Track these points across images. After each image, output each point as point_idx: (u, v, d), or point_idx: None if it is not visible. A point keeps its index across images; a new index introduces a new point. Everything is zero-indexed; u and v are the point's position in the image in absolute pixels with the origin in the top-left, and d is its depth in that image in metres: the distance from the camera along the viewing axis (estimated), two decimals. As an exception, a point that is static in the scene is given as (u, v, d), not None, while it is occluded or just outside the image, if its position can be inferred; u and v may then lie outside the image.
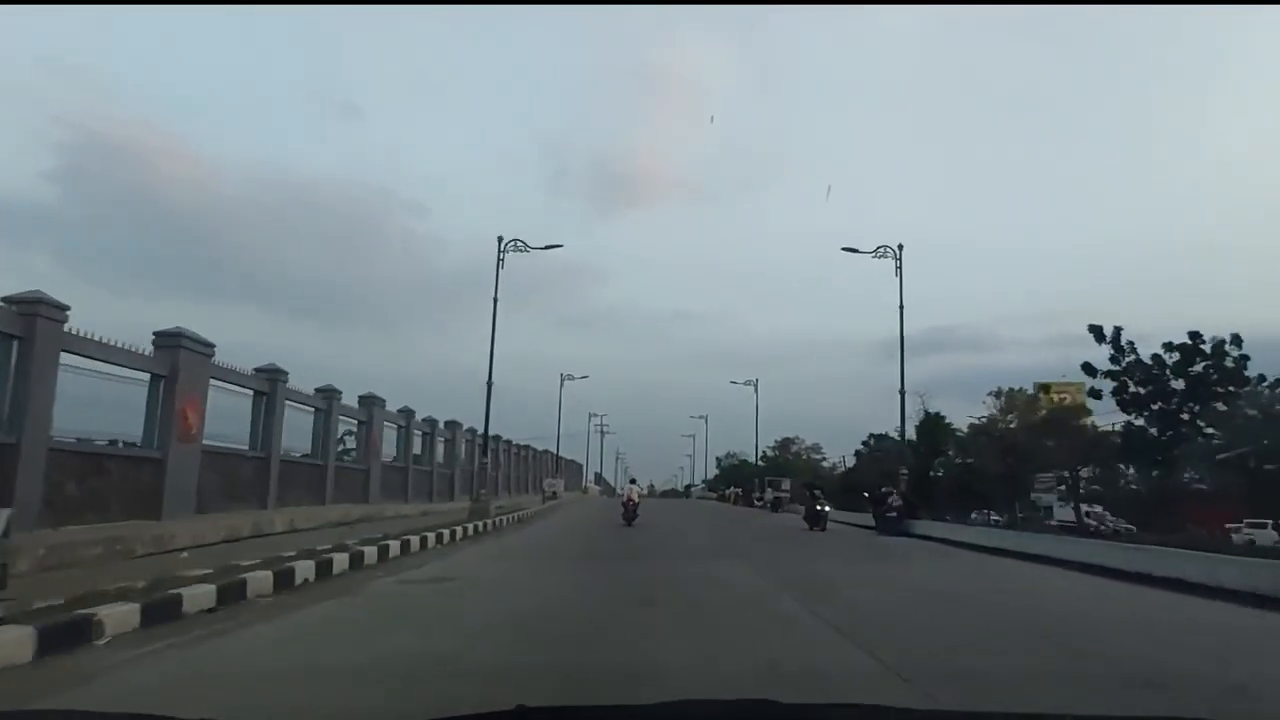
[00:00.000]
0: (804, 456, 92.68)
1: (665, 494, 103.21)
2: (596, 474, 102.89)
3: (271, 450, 15.42)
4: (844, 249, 24.39)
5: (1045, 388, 49.58)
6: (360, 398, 21.41)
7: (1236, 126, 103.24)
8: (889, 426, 60.74)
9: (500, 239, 24.51)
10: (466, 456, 33.10)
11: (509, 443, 43.92)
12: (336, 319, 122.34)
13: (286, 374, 15.99)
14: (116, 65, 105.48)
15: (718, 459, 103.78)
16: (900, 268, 23.93)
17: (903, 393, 24.05)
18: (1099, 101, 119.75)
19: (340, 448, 24.29)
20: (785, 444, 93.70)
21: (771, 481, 53.85)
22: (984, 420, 51.85)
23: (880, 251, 24.07)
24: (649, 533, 22.34)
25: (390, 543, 13.18)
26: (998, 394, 51.82)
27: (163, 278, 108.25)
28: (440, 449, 31.31)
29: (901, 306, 23.91)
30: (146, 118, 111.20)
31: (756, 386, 58.41)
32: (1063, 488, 50.12)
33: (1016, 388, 51.41)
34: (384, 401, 22.37)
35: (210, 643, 5.98)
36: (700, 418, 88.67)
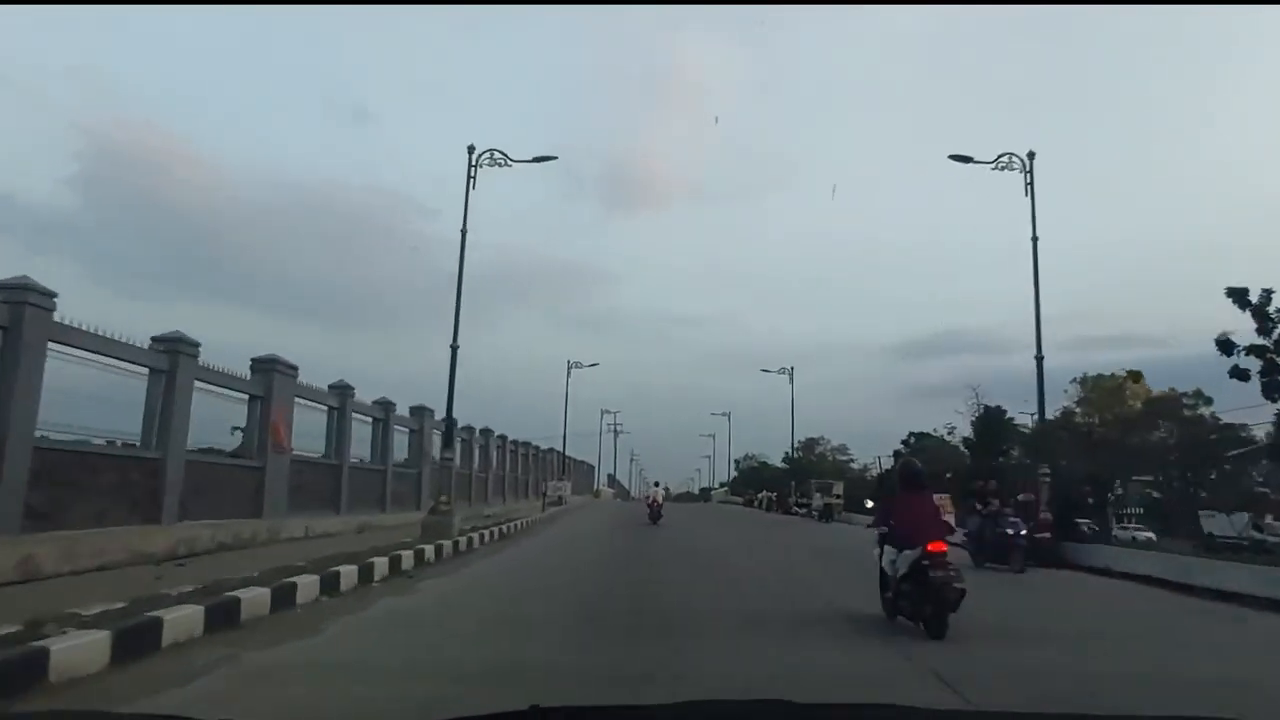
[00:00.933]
0: (830, 458, 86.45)
1: (680, 497, 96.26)
2: (610, 476, 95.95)
3: (9, 430, 8.55)
4: (951, 157, 17.43)
5: (1135, 376, 42.20)
6: (253, 361, 14.56)
7: (1236, 126, 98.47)
8: (910, 428, 53.83)
9: (471, 148, 17.67)
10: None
11: (503, 438, 37.06)
12: (342, 321, 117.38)
13: (53, 296, 9.09)
14: (123, 68, 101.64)
15: (736, 461, 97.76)
16: (1031, 183, 16.99)
17: (1039, 359, 17.09)
18: (1099, 102, 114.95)
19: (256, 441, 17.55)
20: (809, 444, 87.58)
21: (820, 485, 44.85)
22: (1057, 414, 44.61)
23: (1004, 160, 17.09)
24: (680, 550, 16.95)
25: (180, 612, 6.43)
26: (1081, 381, 44.40)
27: (172, 281, 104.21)
28: (407, 443, 24.66)
29: (1035, 239, 17.06)
30: (153, 121, 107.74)
31: (792, 375, 50.91)
32: (1152, 492, 42.94)
33: (1100, 374, 44.12)
34: (295, 371, 15.46)
35: None
36: (723, 414, 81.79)
